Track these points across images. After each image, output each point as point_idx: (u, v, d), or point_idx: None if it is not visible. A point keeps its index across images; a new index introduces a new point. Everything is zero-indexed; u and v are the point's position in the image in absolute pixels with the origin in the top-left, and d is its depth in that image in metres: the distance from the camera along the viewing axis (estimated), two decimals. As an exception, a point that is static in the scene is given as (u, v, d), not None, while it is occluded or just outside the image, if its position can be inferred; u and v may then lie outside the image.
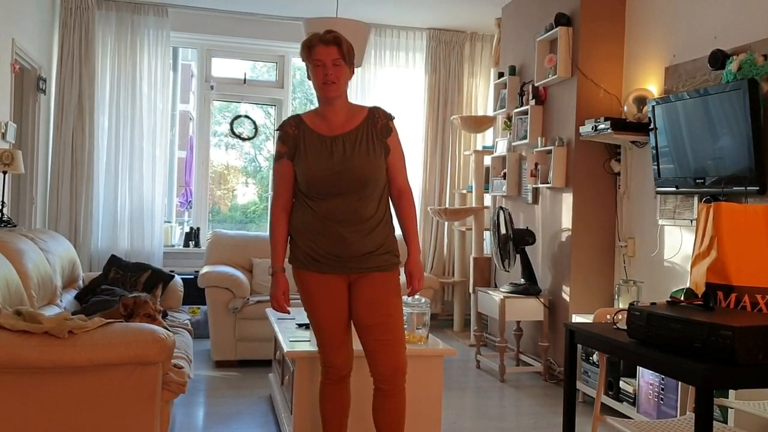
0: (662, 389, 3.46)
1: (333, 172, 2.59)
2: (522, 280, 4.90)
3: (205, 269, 5.06)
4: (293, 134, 2.67)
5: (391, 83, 6.68)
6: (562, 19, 4.77)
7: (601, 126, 4.26)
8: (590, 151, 4.69)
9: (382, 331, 2.64)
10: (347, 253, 2.63)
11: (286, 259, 2.75)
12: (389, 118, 2.72)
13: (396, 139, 2.72)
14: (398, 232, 2.78)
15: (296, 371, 3.16)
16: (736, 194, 3.48)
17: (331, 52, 2.58)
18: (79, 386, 2.43)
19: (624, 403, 3.78)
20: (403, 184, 2.76)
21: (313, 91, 2.71)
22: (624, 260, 4.58)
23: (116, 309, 3.19)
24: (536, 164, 5.01)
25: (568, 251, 4.71)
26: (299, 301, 2.79)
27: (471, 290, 5.77)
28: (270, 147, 7.13)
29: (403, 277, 2.78)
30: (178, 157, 6.95)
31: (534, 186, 5.15)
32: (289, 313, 2.80)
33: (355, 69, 2.88)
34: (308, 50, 2.62)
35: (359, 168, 2.60)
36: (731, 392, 2.96)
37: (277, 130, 2.75)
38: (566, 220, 4.77)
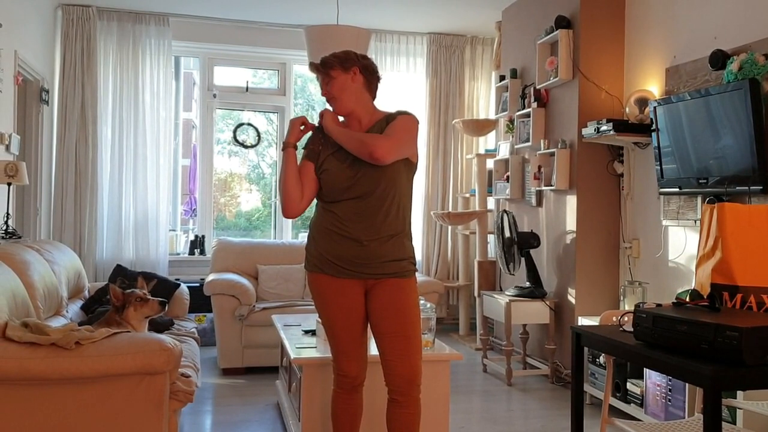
0: (670, 390, 3.46)
1: (350, 174, 2.60)
2: (527, 283, 4.90)
3: (210, 277, 5.07)
4: (320, 140, 2.71)
5: (392, 88, 6.66)
6: (562, 22, 4.78)
7: (604, 128, 4.27)
8: (593, 153, 4.69)
9: (401, 340, 2.61)
10: (364, 258, 2.60)
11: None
12: (401, 113, 2.69)
13: (398, 121, 2.63)
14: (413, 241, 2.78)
15: (303, 378, 3.16)
16: (739, 194, 3.48)
17: (321, 77, 2.69)
18: (86, 397, 2.43)
19: (632, 404, 3.77)
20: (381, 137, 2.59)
21: (315, 98, 2.75)
22: (629, 261, 4.58)
23: (110, 313, 3.19)
24: (539, 167, 5.01)
25: (573, 253, 4.71)
26: (312, 307, 2.78)
27: (476, 294, 5.77)
28: (272, 154, 7.16)
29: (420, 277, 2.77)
30: (182, 165, 6.97)
31: (537, 189, 5.15)
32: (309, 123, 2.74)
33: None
34: None
35: (374, 169, 2.58)
36: (739, 392, 2.96)
37: (308, 142, 2.77)
38: (570, 223, 4.77)
